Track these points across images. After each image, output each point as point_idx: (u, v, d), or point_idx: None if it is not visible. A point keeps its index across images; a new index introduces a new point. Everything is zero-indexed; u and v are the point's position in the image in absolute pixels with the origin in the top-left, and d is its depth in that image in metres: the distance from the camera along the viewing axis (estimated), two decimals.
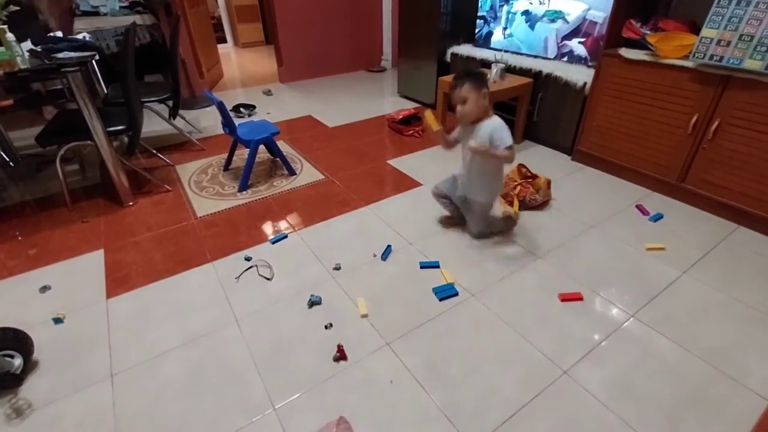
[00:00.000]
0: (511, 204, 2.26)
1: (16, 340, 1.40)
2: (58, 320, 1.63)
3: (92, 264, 1.95)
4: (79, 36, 2.68)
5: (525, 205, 2.27)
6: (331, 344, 1.50)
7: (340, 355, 1.45)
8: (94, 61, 2.80)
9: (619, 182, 2.56)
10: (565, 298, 1.69)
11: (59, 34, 2.61)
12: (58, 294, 1.78)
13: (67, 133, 2.25)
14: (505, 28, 3.18)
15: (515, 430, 1.22)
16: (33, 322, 1.62)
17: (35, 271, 1.91)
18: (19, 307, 1.71)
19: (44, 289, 1.80)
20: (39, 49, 2.12)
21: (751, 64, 1.83)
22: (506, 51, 3.18)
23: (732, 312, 1.62)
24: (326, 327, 1.58)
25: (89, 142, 2.20)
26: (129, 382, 1.39)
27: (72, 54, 2.07)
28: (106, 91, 2.98)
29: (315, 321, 1.61)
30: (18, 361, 1.38)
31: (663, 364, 1.41)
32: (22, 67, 1.93)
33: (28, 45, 2.21)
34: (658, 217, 2.19)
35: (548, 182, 2.32)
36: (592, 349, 1.47)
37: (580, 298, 1.69)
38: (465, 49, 3.44)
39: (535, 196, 2.24)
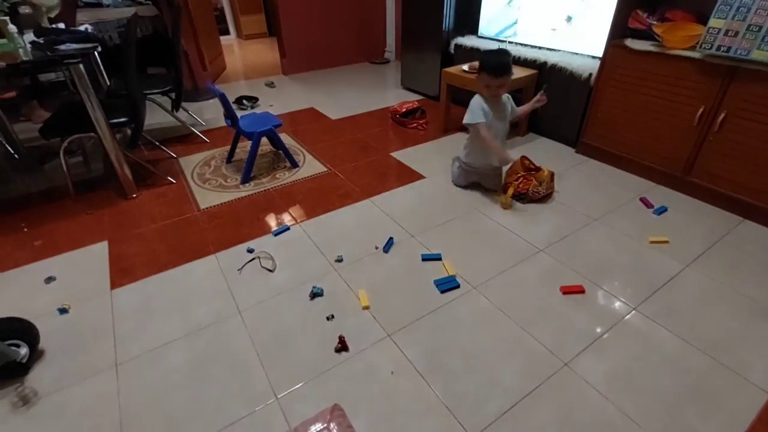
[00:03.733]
0: (505, 192, 2.26)
1: (21, 330, 1.42)
2: (63, 310, 1.65)
3: (96, 255, 1.96)
4: (81, 28, 2.68)
5: (528, 198, 2.26)
6: (332, 335, 1.51)
7: (342, 346, 1.46)
8: (96, 53, 2.80)
9: (624, 175, 2.54)
10: (567, 290, 1.68)
11: (61, 26, 2.61)
12: (63, 285, 1.80)
13: (70, 125, 2.26)
14: None
15: (515, 421, 1.23)
16: (38, 312, 1.64)
17: (40, 263, 1.93)
18: (24, 297, 1.73)
19: (49, 279, 1.82)
20: (41, 41, 2.12)
21: (758, 55, 1.80)
22: (510, 42, 3.15)
23: (734, 305, 1.61)
24: (328, 318, 1.59)
25: (92, 134, 2.20)
26: (134, 372, 1.41)
27: (74, 46, 2.06)
28: (108, 83, 2.98)
29: (317, 312, 1.62)
30: (24, 351, 1.40)
31: (664, 356, 1.41)
32: (25, 59, 1.93)
33: (30, 37, 2.20)
34: (662, 210, 2.17)
35: (552, 175, 2.30)
36: (593, 342, 1.47)
37: (582, 291, 1.68)
38: (469, 41, 3.41)
39: (538, 188, 2.23)
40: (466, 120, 2.20)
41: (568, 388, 1.32)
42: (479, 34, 3.44)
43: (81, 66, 1.99)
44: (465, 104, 3.65)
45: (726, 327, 1.52)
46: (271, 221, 2.20)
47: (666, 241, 1.95)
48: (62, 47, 2.03)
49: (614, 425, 1.21)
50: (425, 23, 3.64)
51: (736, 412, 1.24)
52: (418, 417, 1.25)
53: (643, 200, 2.26)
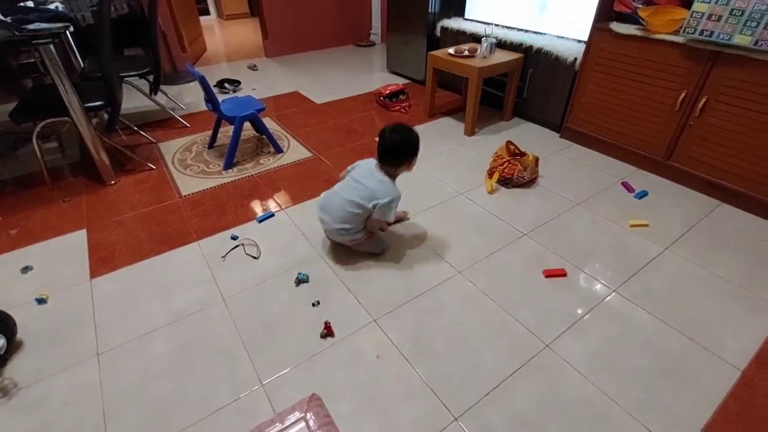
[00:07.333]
0: (491, 176, 2.27)
1: None
2: (41, 300, 1.61)
3: (75, 244, 1.91)
4: (52, 6, 2.55)
5: (513, 183, 2.27)
6: (318, 321, 1.51)
7: (327, 332, 1.46)
8: (69, 34, 2.68)
9: (606, 159, 2.56)
10: (550, 274, 1.71)
11: (30, 3, 2.48)
12: (41, 274, 1.75)
13: (42, 109, 2.17)
14: None
15: (498, 401, 1.26)
16: (15, 302, 1.60)
17: (16, 252, 1.87)
18: (0, 288, 1.69)
19: (26, 269, 1.77)
20: (8, 20, 2.02)
21: (740, 39, 1.82)
22: (497, 25, 3.11)
23: (711, 286, 1.66)
24: (313, 305, 1.59)
25: (66, 118, 2.12)
26: (116, 361, 1.39)
27: (44, 25, 1.97)
28: (82, 65, 2.86)
29: (302, 299, 1.62)
30: (1, 342, 1.37)
31: (642, 336, 1.45)
32: None
33: None
34: (642, 194, 2.21)
35: (536, 160, 2.31)
36: (574, 323, 1.50)
37: (564, 274, 1.71)
38: (455, 23, 3.36)
39: (522, 173, 2.24)
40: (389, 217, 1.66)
41: (550, 369, 1.35)
42: (465, 16, 3.40)
43: (51, 47, 1.90)
44: (451, 88, 3.66)
45: (702, 308, 1.56)
46: (256, 207, 2.17)
47: (646, 225, 1.99)
48: (31, 26, 1.93)
49: (593, 404, 1.25)
50: (411, 4, 3.58)
51: (710, 389, 1.29)
52: (403, 400, 1.26)
53: (625, 184, 2.29)
